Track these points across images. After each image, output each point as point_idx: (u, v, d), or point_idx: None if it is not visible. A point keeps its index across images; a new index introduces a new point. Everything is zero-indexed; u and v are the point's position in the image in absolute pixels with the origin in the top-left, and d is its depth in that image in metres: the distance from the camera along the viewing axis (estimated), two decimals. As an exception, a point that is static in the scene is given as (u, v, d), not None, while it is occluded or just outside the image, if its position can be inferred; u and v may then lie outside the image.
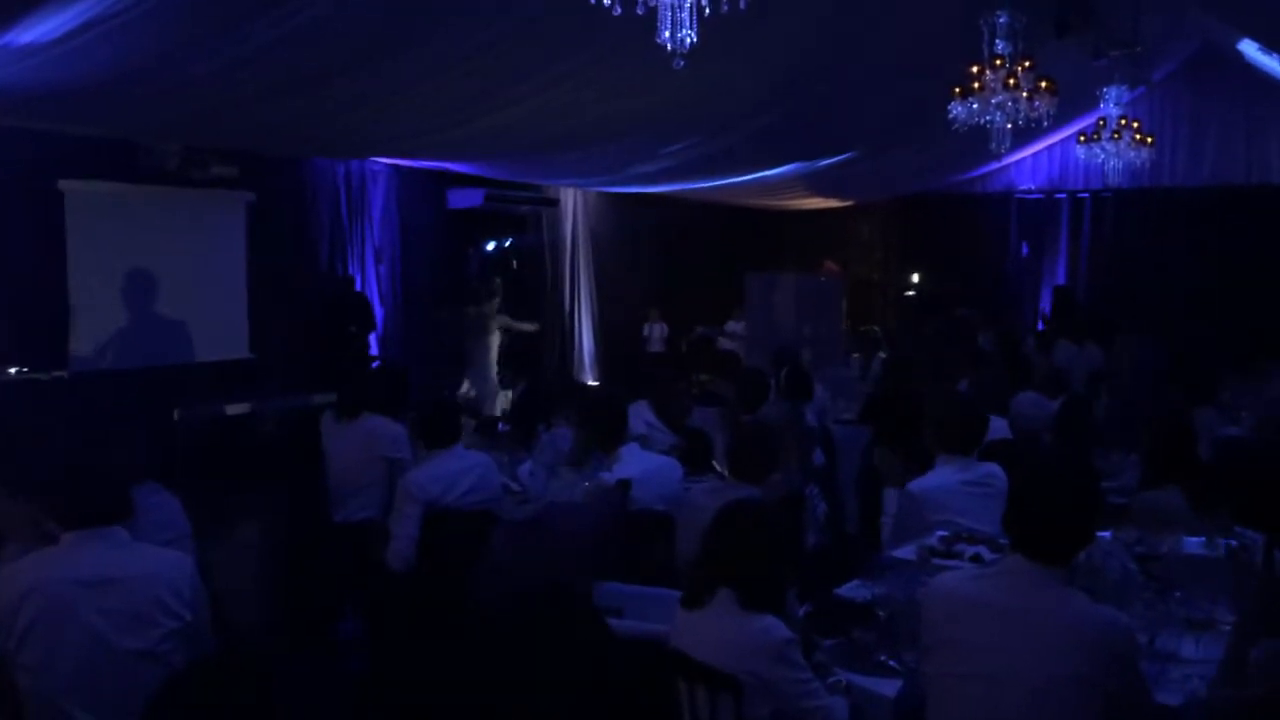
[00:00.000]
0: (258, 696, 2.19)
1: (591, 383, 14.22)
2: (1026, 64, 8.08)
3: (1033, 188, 16.07)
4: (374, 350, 11.15)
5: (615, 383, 12.97)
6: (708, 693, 2.98)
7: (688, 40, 5.36)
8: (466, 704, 2.85)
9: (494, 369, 11.44)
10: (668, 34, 5.10)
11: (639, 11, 4.60)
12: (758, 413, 6.47)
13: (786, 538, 3.21)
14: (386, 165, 11.23)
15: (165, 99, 7.01)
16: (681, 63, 5.57)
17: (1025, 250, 16.18)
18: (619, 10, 4.44)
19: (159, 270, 9.34)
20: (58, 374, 8.42)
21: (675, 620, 3.12)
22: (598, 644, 2.17)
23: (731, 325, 14.39)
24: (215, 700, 2.16)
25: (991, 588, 2.80)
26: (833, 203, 16.41)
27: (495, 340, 11.54)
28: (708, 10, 4.73)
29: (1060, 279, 15.85)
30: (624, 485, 4.53)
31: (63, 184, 8.68)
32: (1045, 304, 15.58)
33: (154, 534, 3.43)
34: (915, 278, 16.66)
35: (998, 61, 8.02)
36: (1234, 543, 3.86)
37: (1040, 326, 14.14)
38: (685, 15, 5.04)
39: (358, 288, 11.11)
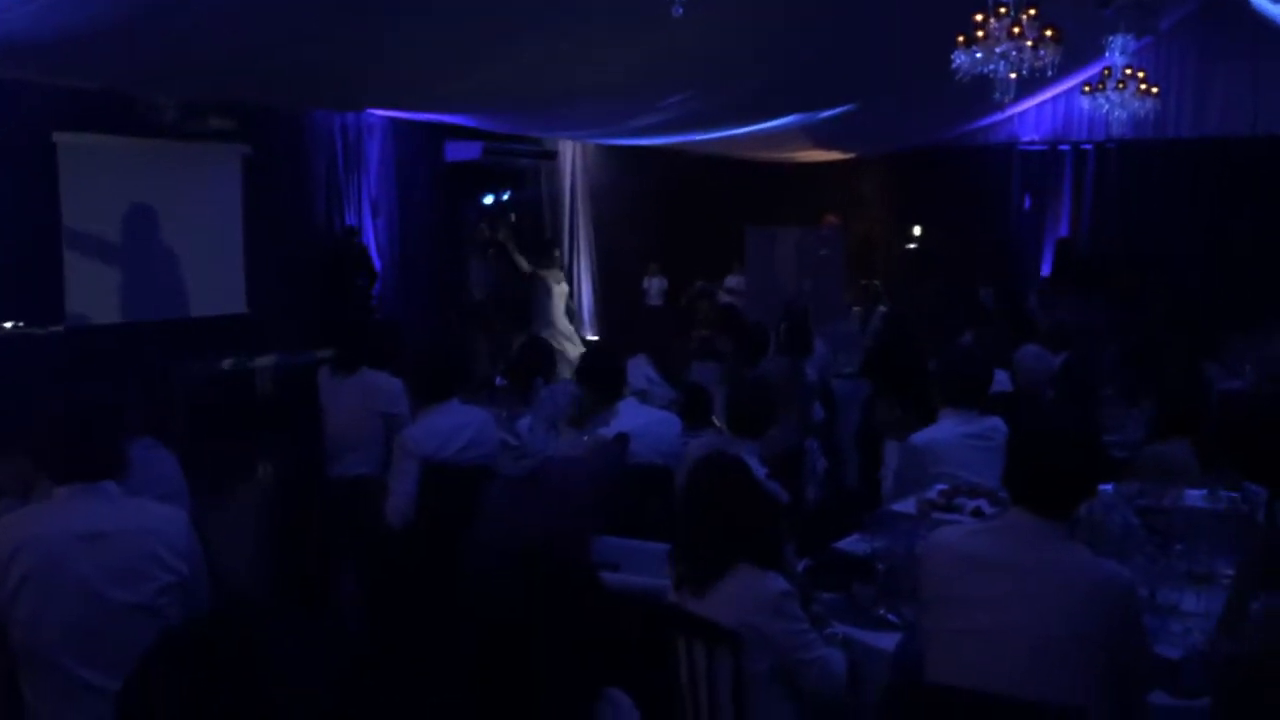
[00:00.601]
0: (252, 652, 2.17)
1: (591, 337, 14.20)
2: (1031, 12, 7.96)
3: (1036, 139, 15.92)
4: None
5: (615, 336, 12.95)
6: (706, 647, 2.97)
7: (686, -13, 5.28)
8: (462, 660, 2.83)
9: (564, 322, 11.66)
10: (667, -19, 5.01)
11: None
12: (758, 367, 6.44)
13: (753, 483, 3.19)
14: (383, 118, 11.12)
15: (160, 50, 6.91)
16: (680, 10, 5.50)
17: (1028, 203, 16.06)
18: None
19: (155, 224, 9.29)
20: (53, 328, 8.40)
21: (669, 574, 3.11)
22: (593, 599, 2.15)
23: (731, 280, 14.34)
24: (209, 654, 2.13)
25: (992, 542, 2.77)
26: (834, 155, 16.28)
27: (561, 293, 11.70)
28: (707, -44, 4.64)
29: (1063, 232, 15.75)
30: (622, 439, 4.51)
31: (57, 137, 8.61)
32: (1047, 257, 15.50)
33: (149, 489, 3.42)
34: (916, 230, 16.56)
35: (1002, 10, 7.90)
36: (1236, 495, 3.84)
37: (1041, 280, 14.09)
38: (684, -38, 4.96)
39: (362, 239, 11.08)
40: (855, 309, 11.99)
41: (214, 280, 9.83)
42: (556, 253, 12.43)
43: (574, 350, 10.87)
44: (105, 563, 2.82)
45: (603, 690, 2.10)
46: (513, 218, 13.63)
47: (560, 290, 11.80)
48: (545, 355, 5.94)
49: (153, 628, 2.74)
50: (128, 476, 3.00)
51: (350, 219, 11.07)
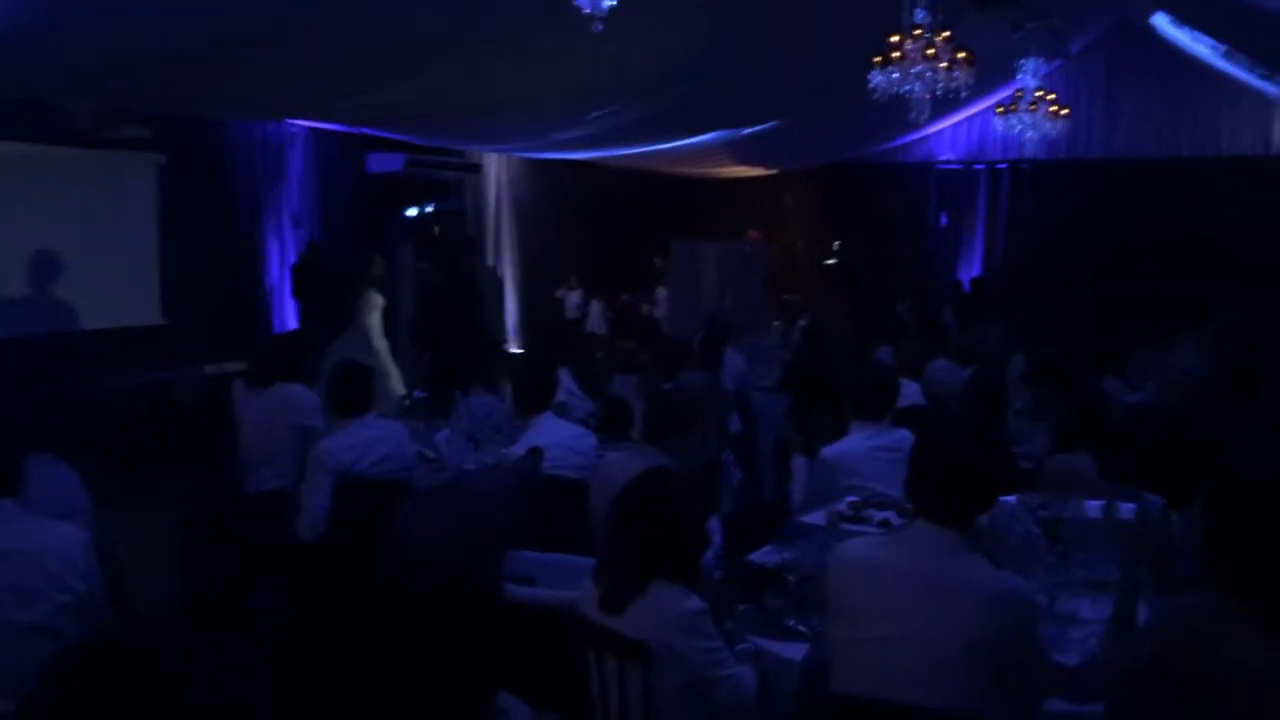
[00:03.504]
0: (154, 671, 2.15)
1: (514, 350, 14.16)
2: (945, 34, 8.15)
3: (952, 158, 16.27)
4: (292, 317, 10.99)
5: (539, 349, 12.93)
6: (616, 661, 2.99)
7: (605, 3, 5.32)
8: (377, 675, 2.83)
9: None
10: (585, -3, 5.06)
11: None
12: (676, 380, 6.48)
13: (685, 501, 3.21)
14: (304, 128, 11.01)
15: (74, 56, 6.77)
16: (600, 27, 5.53)
17: (944, 220, 16.41)
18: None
19: (67, 234, 9.07)
20: (-41, 342, 8.17)
21: (585, 589, 3.12)
22: (498, 619, 2.17)
23: (662, 292, 14.39)
24: (106, 674, 2.11)
25: (895, 553, 2.84)
26: (758, 171, 16.47)
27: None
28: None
29: (978, 248, 16.14)
30: (535, 453, 4.52)
31: (-36, 144, 8.40)
32: (962, 277, 15.81)
33: (50, 507, 3.33)
34: (836, 246, 16.82)
35: (917, 31, 8.08)
36: (1133, 506, 3.94)
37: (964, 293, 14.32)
38: (603, -21, 5.00)
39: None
40: (776, 323, 12.12)
41: (129, 291, 9.62)
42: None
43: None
44: (2, 583, 2.76)
45: (493, 695, 2.12)
46: (436, 230, 13.54)
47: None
48: (462, 368, 5.93)
49: (49, 648, 2.69)
50: (23, 494, 2.94)
51: (270, 230, 10.94)
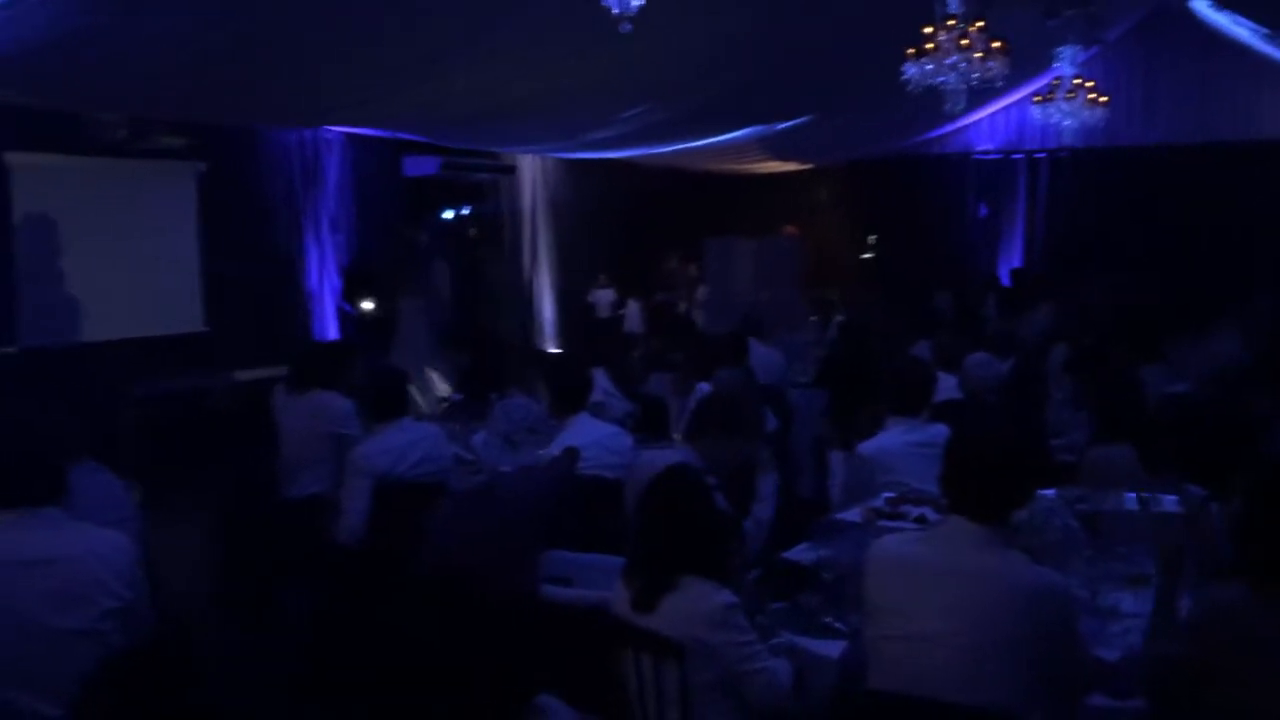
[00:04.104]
0: (194, 675, 2.19)
1: (553, 350, 14.21)
2: (979, 24, 8.08)
3: (990, 149, 16.12)
4: (333, 322, 11.09)
5: (575, 350, 12.96)
6: (652, 659, 3.00)
7: (634, 2, 5.33)
8: (415, 677, 2.85)
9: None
10: (614, -3, 5.07)
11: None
12: (711, 378, 6.47)
13: (708, 496, 3.21)
14: (340, 134, 11.10)
15: (108, 68, 6.88)
16: (629, 27, 5.54)
17: (983, 211, 16.26)
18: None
19: (110, 243, 9.22)
20: (6, 350, 8.32)
21: (616, 589, 3.13)
22: (535, 621, 2.18)
23: (702, 290, 14.37)
24: (152, 679, 2.15)
25: (931, 549, 2.81)
26: (792, 166, 16.40)
27: None
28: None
29: (1018, 239, 15.96)
30: (571, 454, 4.53)
31: (8, 157, 8.54)
32: (1002, 268, 15.68)
33: (95, 514, 3.37)
34: (873, 240, 16.71)
35: (950, 22, 8.02)
36: (1168, 497, 3.90)
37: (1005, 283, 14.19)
38: (631, -21, 5.02)
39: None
40: (812, 319, 12.05)
41: (172, 298, 9.76)
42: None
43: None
44: (49, 589, 2.80)
45: (533, 698, 2.13)
46: (472, 232, 13.61)
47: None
48: (498, 369, 5.96)
49: (95, 653, 2.73)
50: (69, 502, 2.98)
51: (308, 235, 11.04)
